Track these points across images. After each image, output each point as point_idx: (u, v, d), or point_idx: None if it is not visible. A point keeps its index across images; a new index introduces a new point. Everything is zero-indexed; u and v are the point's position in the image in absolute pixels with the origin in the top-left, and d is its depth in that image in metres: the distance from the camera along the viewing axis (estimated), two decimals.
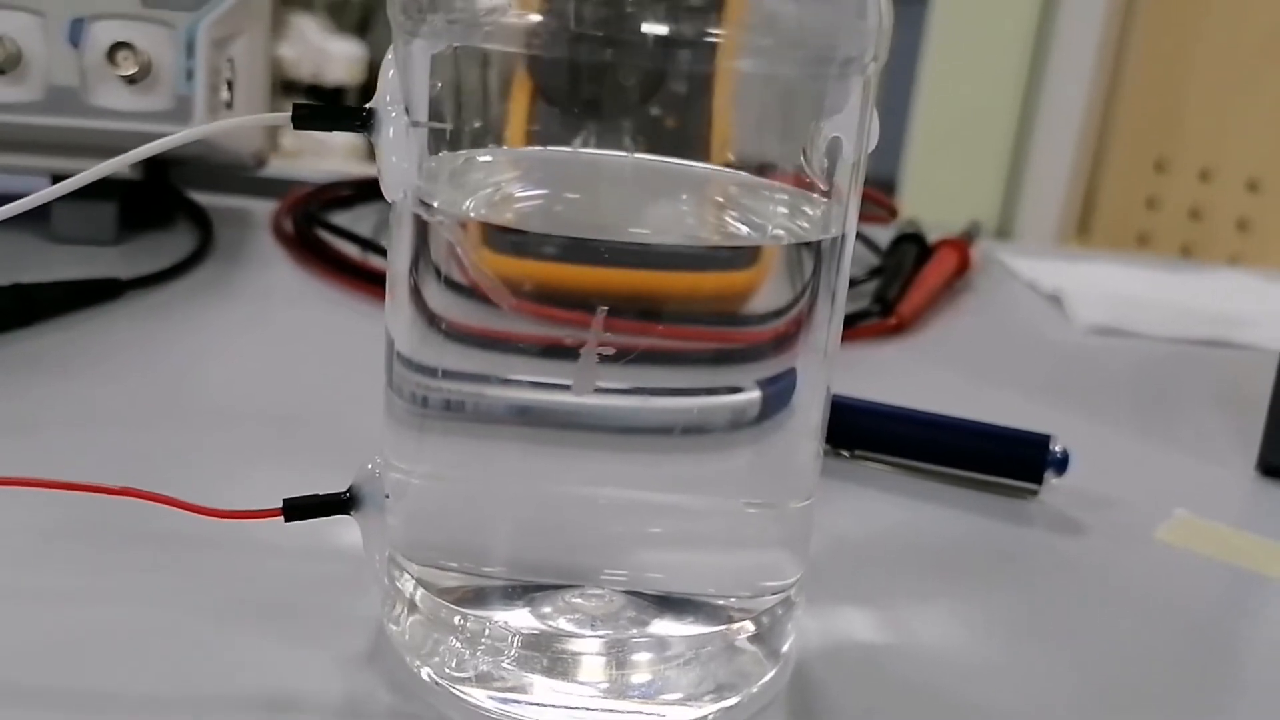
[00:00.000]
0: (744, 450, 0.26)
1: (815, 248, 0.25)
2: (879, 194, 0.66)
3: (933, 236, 0.65)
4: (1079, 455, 0.38)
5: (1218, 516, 0.39)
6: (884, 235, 0.65)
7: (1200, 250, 2.74)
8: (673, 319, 0.24)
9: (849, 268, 0.27)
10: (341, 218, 0.60)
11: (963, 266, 0.63)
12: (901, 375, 0.50)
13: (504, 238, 0.25)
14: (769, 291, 0.25)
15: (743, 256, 0.26)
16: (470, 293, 0.24)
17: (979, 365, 0.52)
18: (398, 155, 0.24)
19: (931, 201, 3.30)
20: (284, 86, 2.40)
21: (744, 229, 0.26)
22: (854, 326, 0.53)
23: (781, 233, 0.26)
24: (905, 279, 0.57)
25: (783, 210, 0.26)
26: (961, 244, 0.64)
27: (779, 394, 0.26)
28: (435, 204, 0.24)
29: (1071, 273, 0.66)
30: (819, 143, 0.25)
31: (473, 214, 0.25)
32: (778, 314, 0.25)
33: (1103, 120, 2.96)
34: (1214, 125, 2.65)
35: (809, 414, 0.27)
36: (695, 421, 0.25)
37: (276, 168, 0.61)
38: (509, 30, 0.24)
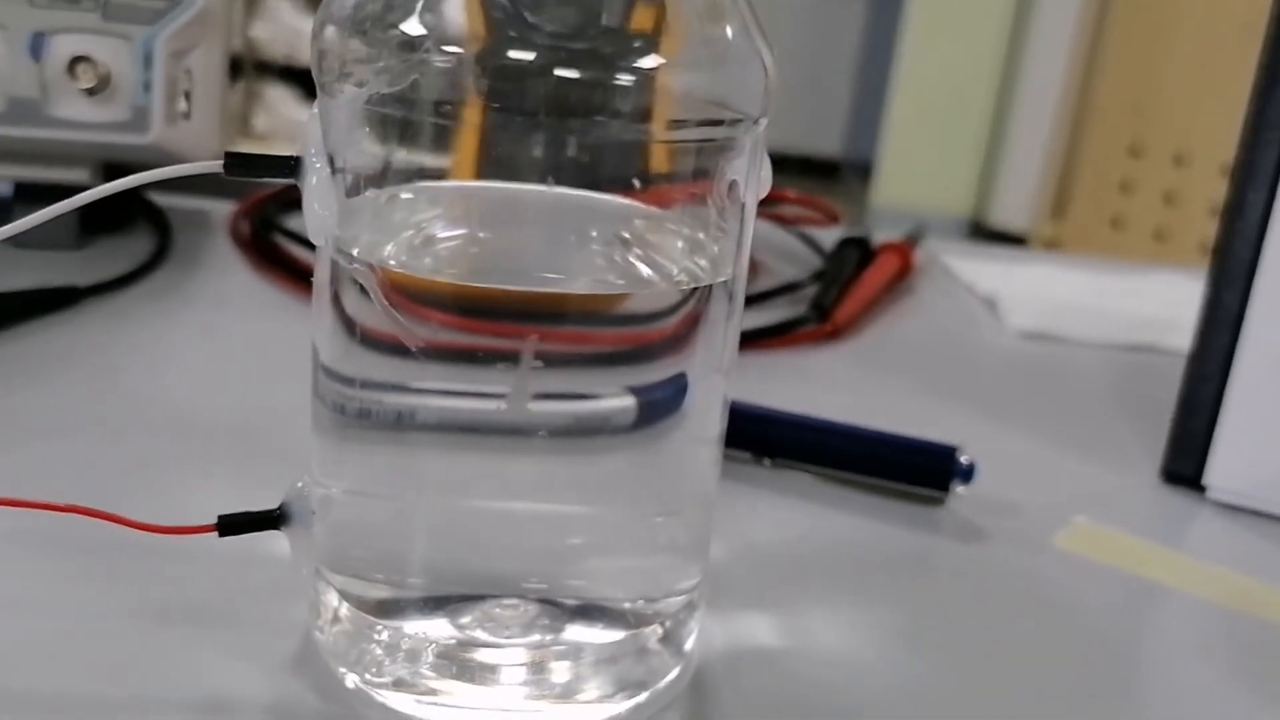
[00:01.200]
0: (642, 457, 0.28)
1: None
2: (819, 200, 0.68)
3: (881, 237, 0.67)
4: (991, 462, 0.40)
5: (1119, 523, 0.41)
6: (830, 237, 0.67)
7: (1174, 234, 2.78)
8: (571, 324, 0.27)
9: (743, 291, 0.29)
10: (299, 220, 0.61)
11: (904, 270, 0.65)
12: (834, 382, 0.52)
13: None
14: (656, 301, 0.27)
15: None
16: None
17: (910, 371, 0.55)
18: (319, 203, 0.26)
19: (908, 184, 3.34)
20: (257, 67, 2.40)
21: (646, 270, 0.28)
22: (789, 333, 0.55)
23: (684, 277, 0.28)
24: (844, 284, 0.59)
25: (683, 246, 0.28)
26: (904, 248, 0.66)
27: (665, 400, 0.28)
28: (355, 251, 0.26)
29: (1010, 276, 0.68)
30: (721, 184, 0.28)
31: (392, 262, 0.26)
32: (662, 318, 0.27)
33: (1079, 104, 2.99)
34: (1188, 110, 2.68)
35: (704, 422, 0.29)
36: (575, 426, 0.27)
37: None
38: (434, 75, 0.25)
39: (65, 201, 0.29)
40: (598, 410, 0.27)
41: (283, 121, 2.29)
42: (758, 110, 0.27)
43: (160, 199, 0.61)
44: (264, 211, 0.60)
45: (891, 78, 3.32)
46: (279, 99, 2.32)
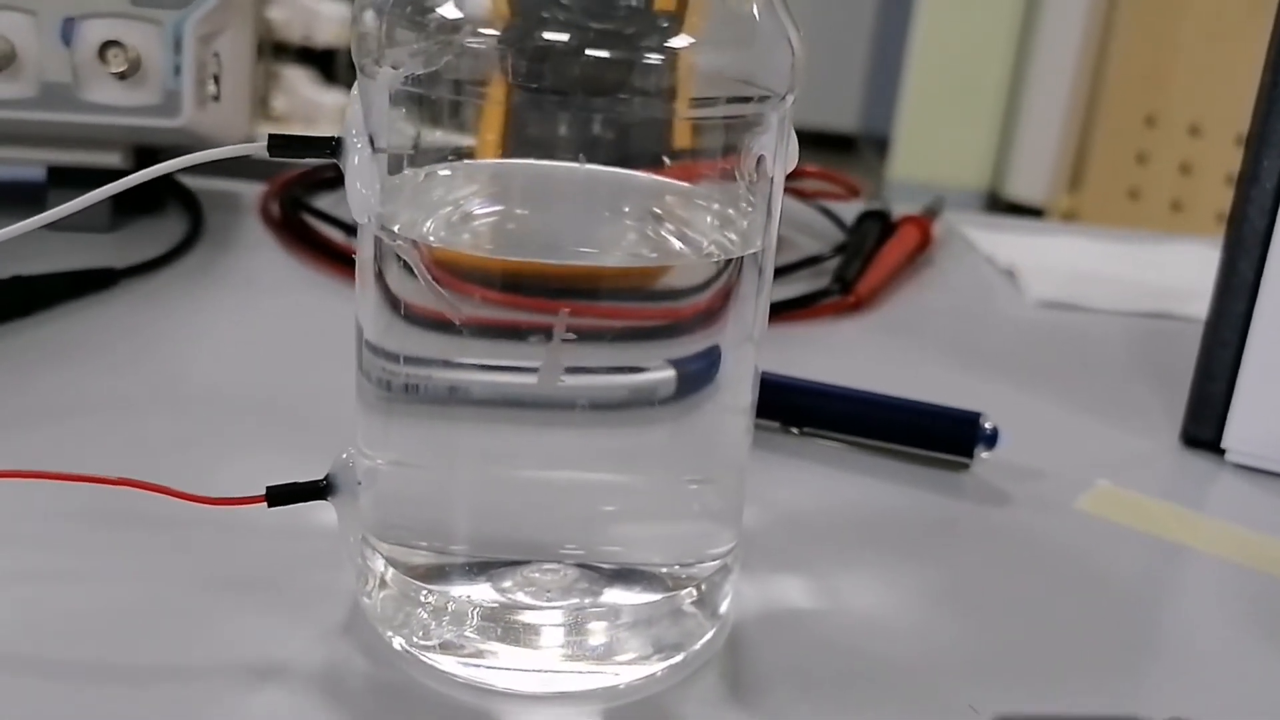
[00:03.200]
0: (677, 427, 0.29)
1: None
2: (840, 174, 0.68)
3: (899, 210, 0.68)
4: (1014, 428, 0.41)
5: (1140, 487, 0.41)
6: (850, 211, 0.68)
7: (1191, 205, 2.76)
8: (606, 299, 0.27)
9: (773, 264, 0.30)
10: (328, 200, 0.62)
11: (924, 243, 0.65)
12: (858, 352, 0.53)
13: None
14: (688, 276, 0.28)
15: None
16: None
17: (932, 341, 0.55)
18: (362, 182, 0.27)
19: (924, 158, 3.33)
20: (275, 48, 2.41)
21: (678, 244, 0.29)
22: (813, 305, 0.55)
23: (714, 249, 0.29)
24: (866, 257, 0.60)
25: (713, 220, 0.29)
26: (924, 220, 0.66)
27: (700, 372, 0.28)
28: (396, 228, 0.27)
29: (1029, 246, 0.69)
30: (749, 159, 0.28)
31: (431, 238, 0.27)
32: (695, 292, 0.28)
33: (1094, 75, 2.97)
34: (1204, 80, 2.66)
35: (737, 392, 0.30)
36: (620, 398, 0.28)
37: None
38: (469, 56, 0.26)
39: (109, 186, 0.30)
40: (640, 382, 0.28)
41: (301, 102, 2.29)
42: (784, 87, 0.27)
43: (190, 181, 0.61)
44: (293, 192, 0.61)
45: (907, 51, 3.31)
46: (296, 80, 2.33)
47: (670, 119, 0.27)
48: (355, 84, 0.28)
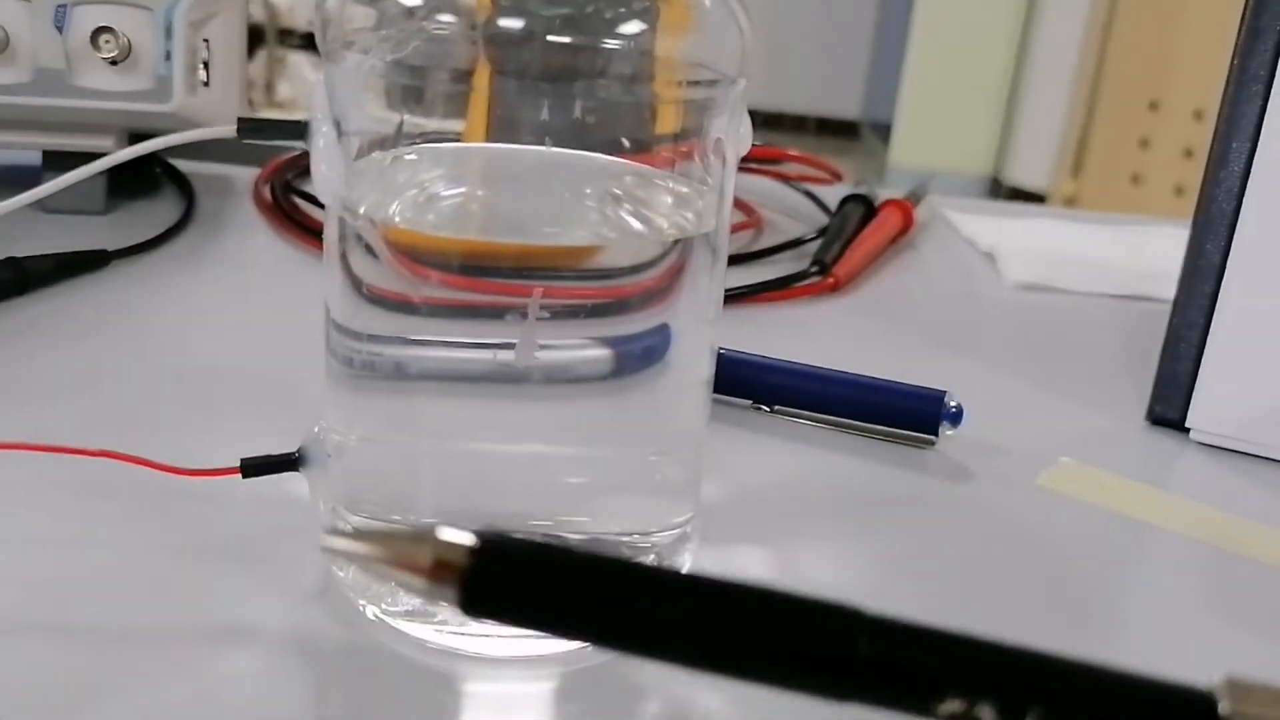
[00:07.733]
0: (635, 402, 0.30)
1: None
2: (821, 160, 0.69)
3: (885, 194, 0.69)
4: (983, 407, 0.42)
5: (1105, 465, 0.42)
6: (834, 195, 0.69)
7: (1193, 190, 2.76)
8: (562, 278, 0.28)
9: (727, 241, 0.31)
10: None
11: (906, 226, 0.66)
12: (835, 333, 0.54)
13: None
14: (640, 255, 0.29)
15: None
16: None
17: (908, 323, 0.56)
18: (327, 164, 0.28)
19: (926, 144, 3.32)
20: (280, 34, 2.42)
21: (637, 224, 0.30)
22: (791, 286, 0.56)
23: (673, 230, 0.30)
24: (846, 239, 0.61)
25: (671, 200, 0.30)
26: (905, 204, 0.67)
27: (648, 348, 0.29)
28: (361, 210, 0.28)
29: (1009, 230, 0.69)
30: (706, 141, 0.29)
31: (397, 219, 0.28)
32: (646, 270, 0.29)
33: (1097, 59, 2.97)
34: (1208, 64, 2.66)
35: (691, 367, 0.31)
36: (559, 374, 0.29)
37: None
38: (434, 42, 0.27)
39: (91, 165, 0.31)
40: (576, 359, 0.29)
41: (305, 88, 2.30)
42: (736, 70, 0.28)
43: (184, 165, 0.62)
44: (285, 176, 0.62)
45: (909, 37, 3.31)
46: (301, 66, 2.34)
47: (629, 102, 0.28)
48: (321, 68, 0.29)
